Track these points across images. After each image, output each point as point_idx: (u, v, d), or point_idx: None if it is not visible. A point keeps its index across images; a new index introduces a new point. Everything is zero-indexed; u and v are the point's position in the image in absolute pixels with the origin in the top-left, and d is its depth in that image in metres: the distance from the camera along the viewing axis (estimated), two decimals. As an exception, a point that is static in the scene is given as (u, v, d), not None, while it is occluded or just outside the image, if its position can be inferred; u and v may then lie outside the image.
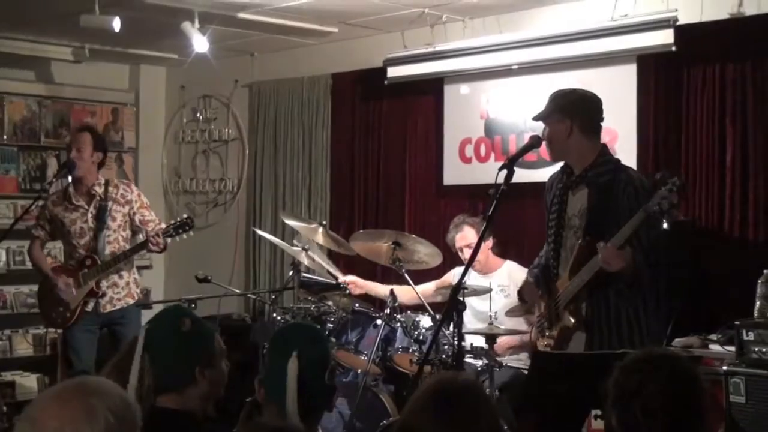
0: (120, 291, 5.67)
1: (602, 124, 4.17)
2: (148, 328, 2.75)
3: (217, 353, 2.79)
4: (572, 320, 3.97)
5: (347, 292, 5.63)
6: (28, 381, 7.22)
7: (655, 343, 4.01)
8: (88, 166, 5.65)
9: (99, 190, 5.65)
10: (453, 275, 5.61)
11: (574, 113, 3.99)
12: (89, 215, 5.62)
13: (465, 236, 5.54)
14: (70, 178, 5.81)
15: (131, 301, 5.71)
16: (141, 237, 5.77)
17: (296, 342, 2.72)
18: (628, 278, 3.81)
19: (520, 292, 4.49)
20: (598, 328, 3.94)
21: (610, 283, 3.87)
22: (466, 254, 5.49)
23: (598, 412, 3.16)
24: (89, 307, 5.59)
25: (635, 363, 2.49)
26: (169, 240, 5.57)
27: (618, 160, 4.10)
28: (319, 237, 5.77)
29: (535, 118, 4.17)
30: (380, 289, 5.80)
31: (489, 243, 5.57)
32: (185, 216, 5.61)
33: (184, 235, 5.59)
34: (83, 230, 5.62)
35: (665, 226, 3.61)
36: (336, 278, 5.82)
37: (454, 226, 5.64)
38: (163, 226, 5.65)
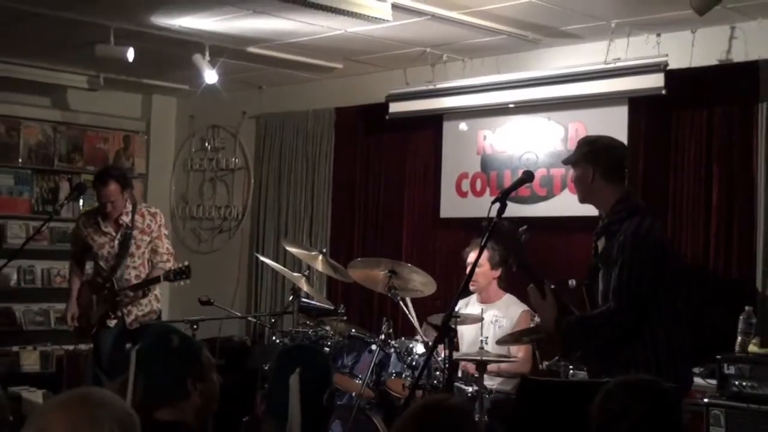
0: (144, 308, 5.93)
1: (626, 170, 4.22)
2: (138, 348, 2.86)
3: (206, 366, 2.90)
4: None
5: (344, 317, 5.77)
6: (34, 396, 7.33)
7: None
8: (122, 208, 5.83)
9: (126, 219, 5.85)
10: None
11: (598, 161, 4.08)
12: (116, 242, 5.85)
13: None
14: (81, 201, 5.97)
15: (154, 317, 5.96)
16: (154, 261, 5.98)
17: (301, 360, 2.86)
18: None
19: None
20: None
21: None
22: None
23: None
24: (111, 324, 5.84)
25: (621, 387, 2.53)
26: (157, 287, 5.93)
27: (633, 206, 4.03)
28: (319, 264, 5.93)
29: (565, 162, 4.33)
30: None
31: (496, 273, 5.65)
32: (185, 264, 5.73)
33: (181, 282, 5.74)
34: (109, 254, 5.86)
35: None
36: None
37: (474, 244, 5.68)
38: (168, 266, 5.88)
